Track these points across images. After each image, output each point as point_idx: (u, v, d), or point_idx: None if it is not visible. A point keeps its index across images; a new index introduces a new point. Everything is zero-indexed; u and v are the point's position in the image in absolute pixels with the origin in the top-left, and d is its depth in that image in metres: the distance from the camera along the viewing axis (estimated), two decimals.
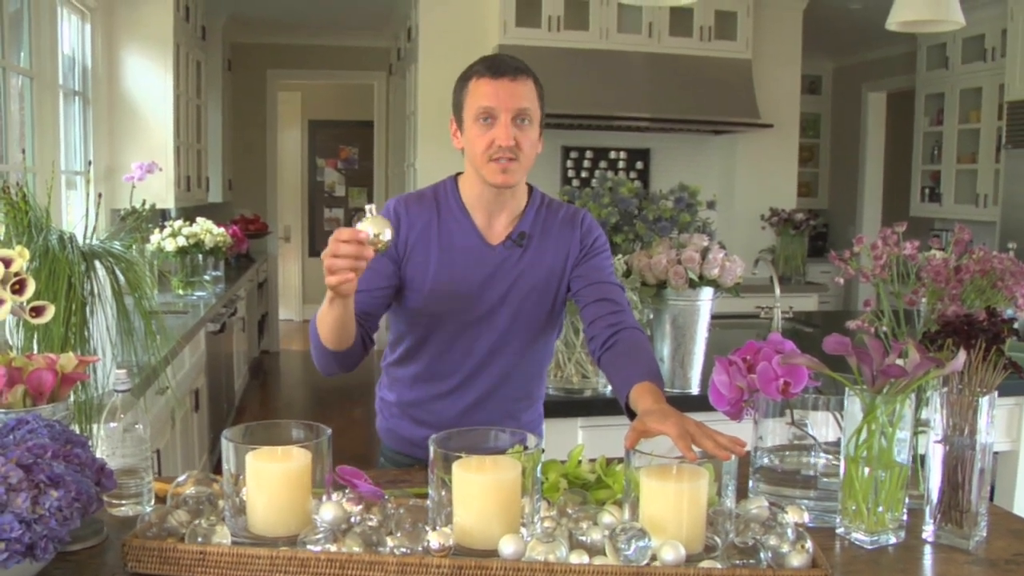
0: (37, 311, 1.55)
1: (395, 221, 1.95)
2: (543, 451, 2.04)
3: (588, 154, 6.25)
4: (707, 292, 2.56)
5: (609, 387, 2.65)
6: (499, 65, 1.86)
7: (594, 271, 1.98)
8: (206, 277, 5.09)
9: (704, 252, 2.53)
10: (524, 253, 1.97)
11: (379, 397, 2.16)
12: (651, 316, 2.63)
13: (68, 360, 1.51)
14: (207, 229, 5.05)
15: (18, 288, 1.49)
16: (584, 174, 6.20)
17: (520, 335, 1.99)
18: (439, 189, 2.02)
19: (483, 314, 1.95)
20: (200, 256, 5.04)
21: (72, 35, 4.47)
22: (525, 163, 1.88)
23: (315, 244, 10.84)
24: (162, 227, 4.97)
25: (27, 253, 1.53)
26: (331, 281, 1.58)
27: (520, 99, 1.85)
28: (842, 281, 1.85)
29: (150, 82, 4.92)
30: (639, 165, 6.31)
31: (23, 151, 3.65)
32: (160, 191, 4.75)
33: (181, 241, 4.88)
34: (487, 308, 1.95)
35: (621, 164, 6.26)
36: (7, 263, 1.48)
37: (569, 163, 6.23)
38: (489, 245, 1.97)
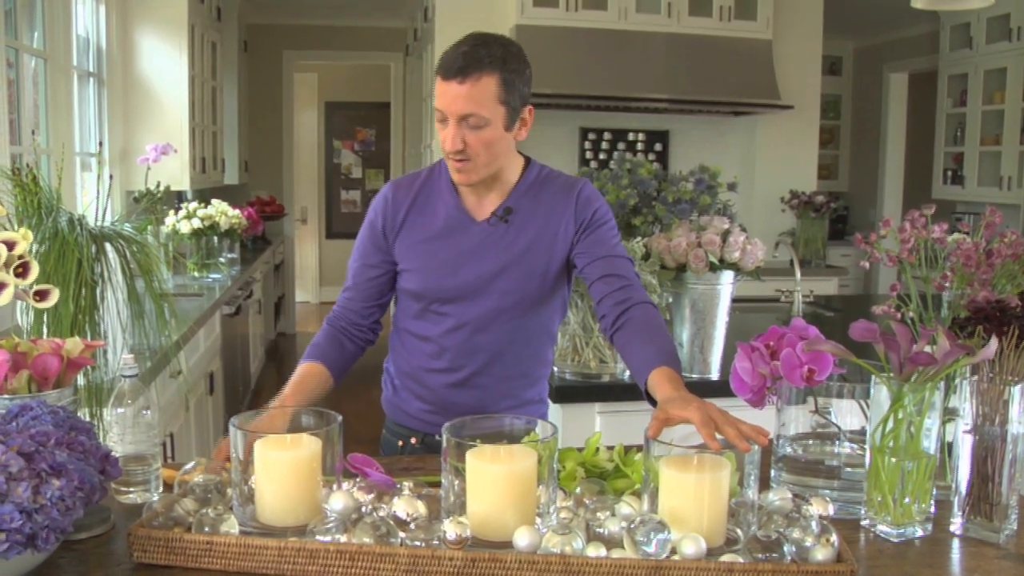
0: (41, 295, 1.51)
1: (383, 207, 1.99)
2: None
3: (606, 136, 6.17)
4: (727, 276, 2.51)
5: (628, 372, 2.61)
6: (451, 65, 1.78)
7: (596, 245, 1.92)
8: (221, 259, 5.08)
9: (725, 235, 2.48)
10: (510, 228, 1.94)
11: (384, 369, 2.16)
12: (670, 300, 2.58)
13: (74, 345, 1.48)
14: (222, 211, 5.04)
15: (22, 271, 1.46)
16: (602, 156, 6.13)
17: (509, 312, 1.95)
18: (434, 168, 2.02)
19: (468, 290, 1.94)
20: (215, 238, 5.03)
21: (87, 16, 4.44)
22: (481, 161, 1.84)
23: (332, 226, 10.84)
24: (177, 209, 4.95)
25: (30, 235, 1.50)
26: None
27: (467, 103, 1.77)
28: (868, 265, 1.80)
29: (165, 63, 4.89)
30: (658, 147, 6.23)
31: (32, 132, 3.62)
32: (175, 173, 4.72)
33: (196, 223, 4.86)
34: (472, 284, 1.93)
35: (640, 146, 6.19)
36: (10, 246, 1.45)
37: (587, 144, 6.16)
38: (474, 221, 1.95)
